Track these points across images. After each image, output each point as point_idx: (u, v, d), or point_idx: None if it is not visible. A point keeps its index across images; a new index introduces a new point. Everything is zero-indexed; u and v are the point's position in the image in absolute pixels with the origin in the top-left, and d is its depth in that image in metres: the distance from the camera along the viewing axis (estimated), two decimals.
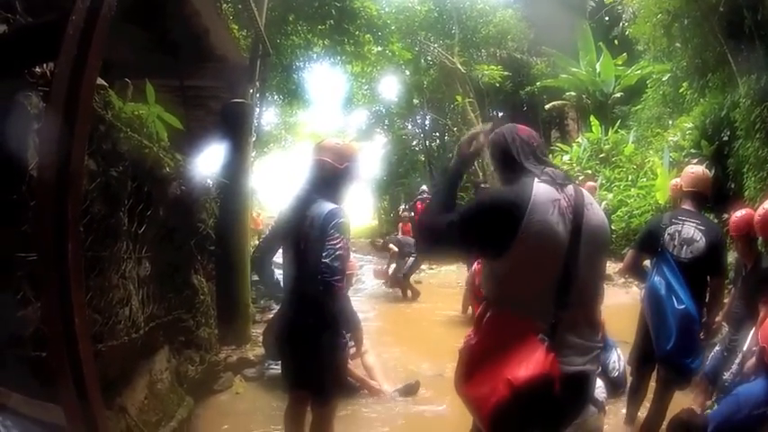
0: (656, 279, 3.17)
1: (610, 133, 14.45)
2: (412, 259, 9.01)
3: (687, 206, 3.37)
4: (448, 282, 10.57)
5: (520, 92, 19.46)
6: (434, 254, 1.94)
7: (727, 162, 8.34)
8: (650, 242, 3.35)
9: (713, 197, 7.80)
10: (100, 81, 2.40)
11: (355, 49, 12.99)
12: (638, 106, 14.89)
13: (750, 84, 7.54)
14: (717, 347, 4.02)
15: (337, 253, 2.58)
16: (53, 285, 1.55)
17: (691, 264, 3.16)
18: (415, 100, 22.26)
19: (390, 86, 21.66)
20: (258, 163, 16.72)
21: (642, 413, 3.68)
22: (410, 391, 4.51)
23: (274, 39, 10.17)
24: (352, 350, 3.00)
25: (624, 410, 3.84)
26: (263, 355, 4.76)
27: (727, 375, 3.61)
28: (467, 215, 1.84)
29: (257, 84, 7.15)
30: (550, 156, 2.19)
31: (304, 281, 2.68)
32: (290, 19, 11.78)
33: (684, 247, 3.19)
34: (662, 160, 10.44)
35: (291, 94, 14.10)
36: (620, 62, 15.54)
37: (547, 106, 18.45)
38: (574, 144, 15.87)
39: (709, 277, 3.25)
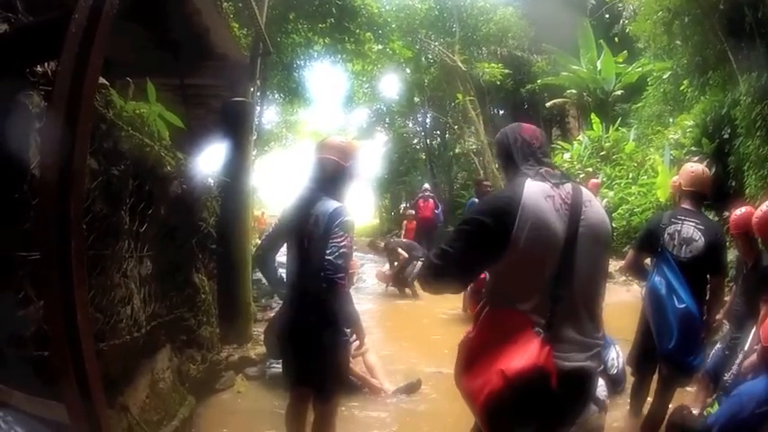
0: (657, 279, 3.18)
1: (610, 131, 14.43)
2: (420, 263, 9.00)
3: (686, 205, 3.37)
4: None
5: (521, 90, 19.44)
6: (441, 284, 1.94)
7: (728, 160, 8.34)
8: (650, 242, 3.36)
9: (713, 195, 7.84)
10: (101, 80, 2.40)
11: (356, 47, 12.98)
12: (639, 104, 14.89)
13: (751, 81, 7.53)
14: (718, 345, 4.02)
15: (341, 251, 2.59)
16: (55, 283, 1.55)
17: (690, 263, 3.17)
18: (415, 98, 22.23)
19: (391, 85, 21.66)
20: (259, 161, 16.72)
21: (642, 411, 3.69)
22: (411, 389, 4.52)
23: (275, 37, 10.17)
24: (354, 347, 2.99)
25: (621, 410, 3.86)
26: (265, 353, 4.76)
27: (728, 375, 3.61)
28: (460, 232, 1.86)
29: (258, 82, 7.16)
30: (552, 154, 2.19)
31: (307, 278, 2.69)
32: (291, 17, 11.77)
33: (684, 247, 3.20)
34: (663, 158, 10.44)
35: (292, 93, 14.10)
36: (620, 60, 15.51)
37: (548, 104, 18.44)
38: (575, 142, 15.86)
39: (709, 276, 3.26)
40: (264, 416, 3.98)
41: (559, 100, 17.90)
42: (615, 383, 3.69)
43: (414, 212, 12.78)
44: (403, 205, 24.14)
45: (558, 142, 16.77)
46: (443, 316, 7.48)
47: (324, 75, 19.89)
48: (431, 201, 12.39)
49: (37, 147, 1.97)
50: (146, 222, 3.19)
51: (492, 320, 1.82)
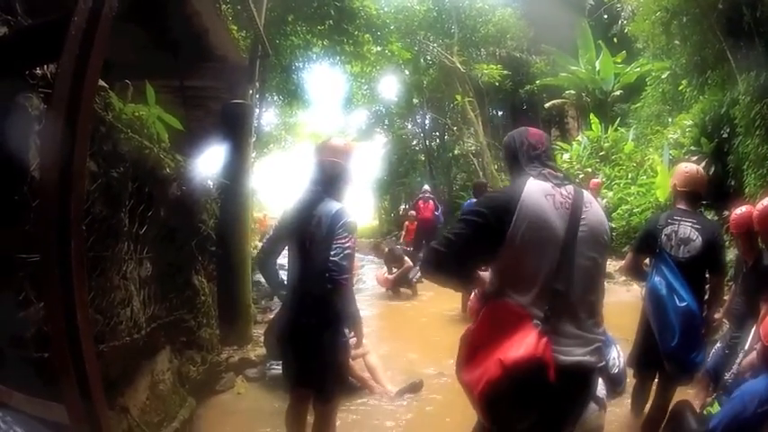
0: (657, 279, 3.20)
1: (609, 131, 14.45)
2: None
3: (682, 206, 3.38)
4: None
5: (519, 90, 19.49)
6: (442, 272, 1.96)
7: (727, 159, 8.34)
8: (648, 243, 3.38)
9: (713, 194, 7.86)
10: (100, 82, 2.40)
11: (354, 49, 12.99)
12: (638, 104, 14.91)
13: (749, 81, 7.54)
14: (718, 345, 4.02)
15: (346, 252, 2.62)
16: (55, 284, 1.56)
17: (689, 263, 3.19)
18: (414, 99, 22.27)
19: (390, 86, 21.71)
20: (258, 163, 16.72)
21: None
22: (412, 389, 4.52)
23: (274, 39, 10.19)
24: (354, 344, 2.99)
25: (622, 410, 3.87)
26: (265, 355, 4.77)
27: (728, 375, 3.61)
28: (463, 222, 1.92)
29: (257, 84, 7.15)
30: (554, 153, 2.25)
31: (309, 279, 2.70)
32: (290, 19, 11.78)
33: (682, 247, 3.22)
34: (662, 158, 10.45)
35: (291, 95, 14.11)
36: (619, 60, 15.54)
37: (547, 105, 18.47)
38: (574, 142, 15.88)
39: (708, 274, 3.29)
40: (264, 417, 3.97)
41: (558, 100, 17.94)
42: (616, 383, 3.69)
43: (414, 214, 12.79)
44: (403, 207, 24.20)
45: (558, 143, 16.77)
46: (443, 316, 7.47)
47: (323, 77, 19.92)
48: (431, 202, 12.39)
49: (37, 149, 1.97)
50: (145, 224, 3.20)
51: (492, 313, 1.87)
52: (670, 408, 3.29)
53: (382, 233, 21.85)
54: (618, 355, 3.75)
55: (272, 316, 5.60)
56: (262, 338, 5.07)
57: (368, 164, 24.58)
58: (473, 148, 19.42)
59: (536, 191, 1.87)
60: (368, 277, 10.43)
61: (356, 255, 2.94)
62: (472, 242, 1.86)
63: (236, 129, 5.61)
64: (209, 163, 6.22)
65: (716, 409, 3.14)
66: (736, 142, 8.05)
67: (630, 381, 3.84)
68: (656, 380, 3.54)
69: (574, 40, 16.64)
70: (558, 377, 1.69)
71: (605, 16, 17.22)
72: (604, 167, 13.40)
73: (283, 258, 2.96)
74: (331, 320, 2.72)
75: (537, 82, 18.05)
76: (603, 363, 1.95)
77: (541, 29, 17.62)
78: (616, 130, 14.55)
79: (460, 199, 17.95)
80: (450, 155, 21.96)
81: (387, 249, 9.98)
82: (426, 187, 13.76)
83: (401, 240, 13.07)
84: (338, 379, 2.90)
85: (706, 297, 3.32)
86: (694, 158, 8.90)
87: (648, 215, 9.66)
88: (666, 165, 9.86)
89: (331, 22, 11.99)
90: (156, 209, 3.40)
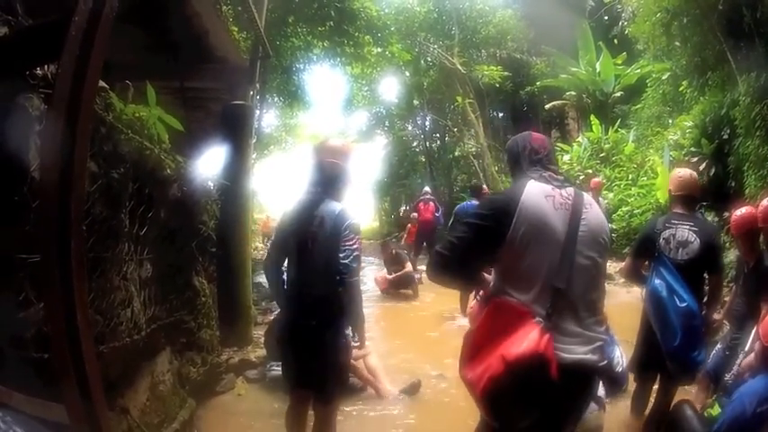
0: (657, 282, 3.25)
1: (610, 132, 14.45)
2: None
3: (678, 209, 3.46)
4: None
5: (520, 92, 19.48)
6: (446, 274, 2.00)
7: (728, 160, 8.33)
8: (646, 247, 3.44)
9: (714, 196, 7.84)
10: (101, 83, 2.40)
11: (355, 50, 13.00)
12: (638, 105, 14.91)
13: (750, 82, 7.53)
14: (718, 346, 4.02)
15: (355, 254, 2.67)
16: (55, 285, 1.56)
17: (687, 264, 3.25)
18: (415, 101, 22.27)
19: (390, 87, 21.75)
20: (259, 165, 16.73)
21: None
22: (412, 390, 4.52)
23: (274, 40, 10.19)
24: (356, 346, 2.99)
25: (622, 410, 3.87)
26: (265, 356, 4.77)
27: (728, 375, 3.62)
28: (465, 225, 1.97)
29: (257, 85, 7.17)
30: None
31: (309, 279, 2.70)
32: (290, 21, 11.79)
33: (680, 250, 3.28)
34: (662, 159, 10.44)
35: (292, 96, 14.13)
36: (619, 61, 15.55)
37: (547, 106, 18.47)
38: (574, 144, 15.88)
39: (707, 275, 3.35)
40: (265, 418, 3.97)
41: (559, 102, 17.94)
42: (619, 382, 3.70)
43: (416, 216, 12.79)
44: (403, 208, 24.20)
45: (558, 144, 16.79)
46: (442, 317, 7.47)
47: (323, 78, 19.93)
48: (431, 204, 12.39)
49: (37, 149, 1.97)
50: (146, 225, 3.20)
51: (494, 311, 1.89)
52: (671, 410, 3.29)
53: (382, 234, 21.78)
54: (620, 355, 3.77)
55: (272, 317, 5.60)
56: (262, 339, 5.09)
57: (368, 165, 24.65)
58: (473, 149, 19.41)
59: (536, 192, 1.92)
60: (368, 278, 10.42)
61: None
62: (475, 244, 1.90)
63: (237, 130, 5.61)
64: (209, 164, 6.22)
65: (716, 410, 3.14)
66: (736, 143, 8.04)
67: (631, 382, 3.85)
68: (657, 382, 3.55)
69: (574, 41, 16.65)
70: (560, 375, 1.70)
71: (606, 17, 17.20)
72: (605, 169, 13.40)
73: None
74: (331, 321, 2.72)
75: (537, 83, 18.05)
76: (606, 362, 1.95)
77: (542, 30, 17.62)
78: (616, 131, 14.55)
79: (461, 200, 17.93)
80: (451, 156, 21.95)
81: (394, 252, 9.99)
82: (427, 189, 13.77)
83: (402, 242, 13.04)
84: (338, 380, 2.90)
85: (705, 298, 3.36)
86: (694, 160, 8.92)
87: (649, 216, 9.65)
88: (667, 166, 9.85)
89: (331, 23, 12.00)
90: (156, 210, 3.39)
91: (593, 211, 2.00)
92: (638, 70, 14.81)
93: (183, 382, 3.93)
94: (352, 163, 2.91)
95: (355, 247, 2.68)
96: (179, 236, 4.04)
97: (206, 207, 4.77)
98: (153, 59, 5.56)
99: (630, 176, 12.49)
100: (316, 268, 2.70)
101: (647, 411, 3.69)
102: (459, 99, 18.17)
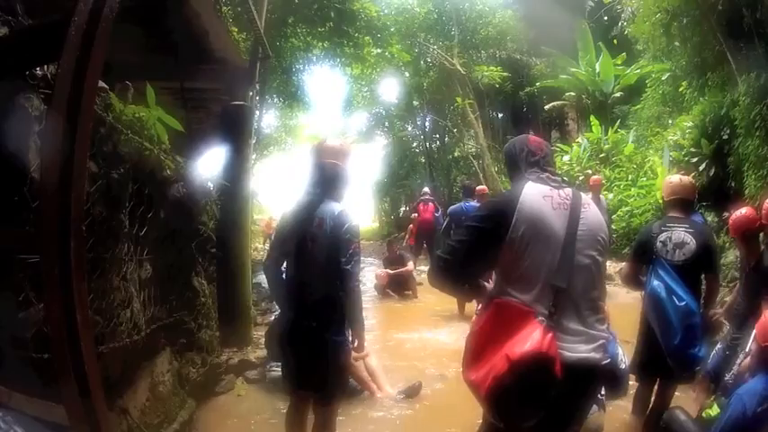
0: (655, 283, 3.30)
1: (610, 133, 14.45)
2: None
3: (674, 213, 3.54)
4: None
5: (520, 93, 19.45)
6: (448, 279, 2.02)
7: (728, 160, 8.32)
8: (644, 251, 3.50)
9: (713, 196, 7.83)
10: (101, 83, 2.40)
11: (355, 51, 13.02)
12: (638, 106, 14.90)
13: (749, 82, 7.53)
14: (719, 346, 4.02)
15: (356, 257, 2.67)
16: (55, 285, 1.56)
17: (684, 265, 3.31)
18: (414, 101, 22.29)
19: (390, 88, 21.78)
20: (259, 165, 16.73)
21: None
22: (412, 392, 4.51)
23: (274, 41, 10.20)
24: (355, 349, 2.98)
25: (622, 410, 3.88)
26: (265, 356, 4.76)
27: (728, 376, 3.62)
28: (465, 228, 2.00)
29: (257, 86, 7.17)
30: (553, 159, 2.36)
31: (309, 280, 2.69)
32: (290, 21, 11.81)
33: (677, 251, 3.35)
34: (662, 159, 10.45)
35: (291, 97, 14.16)
36: (619, 62, 15.54)
37: (547, 107, 18.46)
38: (574, 144, 15.86)
39: (704, 275, 3.42)
40: (265, 419, 3.97)
41: (558, 102, 17.94)
42: (621, 381, 3.70)
43: (415, 216, 12.79)
44: (403, 209, 24.20)
45: (558, 145, 16.78)
46: (442, 318, 7.47)
47: (323, 79, 19.97)
48: (430, 204, 12.38)
49: (37, 149, 1.97)
50: (145, 226, 3.20)
51: (496, 312, 1.89)
52: (663, 416, 3.32)
53: (382, 235, 21.81)
54: (623, 353, 3.78)
55: (272, 318, 5.60)
56: (262, 340, 5.07)
57: (368, 166, 24.67)
58: (473, 150, 19.41)
59: (534, 193, 1.95)
60: (368, 279, 10.41)
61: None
62: (476, 247, 1.93)
63: (237, 130, 5.61)
64: (209, 165, 6.23)
65: (714, 411, 3.14)
66: (736, 144, 8.04)
67: (632, 382, 3.85)
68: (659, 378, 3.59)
69: (574, 41, 16.65)
70: (564, 374, 1.71)
71: (605, 18, 17.18)
72: (604, 169, 13.39)
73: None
74: (331, 322, 2.72)
75: (537, 84, 18.04)
76: (609, 360, 1.95)
77: (541, 31, 17.61)
78: (616, 131, 14.55)
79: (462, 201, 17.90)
80: (451, 157, 21.95)
81: (398, 252, 9.99)
82: (426, 189, 13.75)
83: (405, 243, 13.03)
84: (339, 381, 2.89)
85: (702, 296, 3.42)
86: (694, 160, 8.93)
87: (649, 217, 9.66)
88: (667, 166, 9.86)
89: (331, 24, 12.01)
90: (156, 210, 3.40)
91: (592, 211, 2.02)
92: (638, 71, 14.81)
93: (182, 382, 3.92)
94: (352, 163, 2.90)
95: (357, 251, 2.68)
96: (179, 236, 4.04)
97: (206, 208, 4.77)
98: (153, 60, 5.56)
99: (630, 177, 12.48)
100: (315, 269, 2.69)
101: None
102: (459, 100, 18.16)
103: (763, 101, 7.13)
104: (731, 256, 6.88)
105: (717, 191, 8.27)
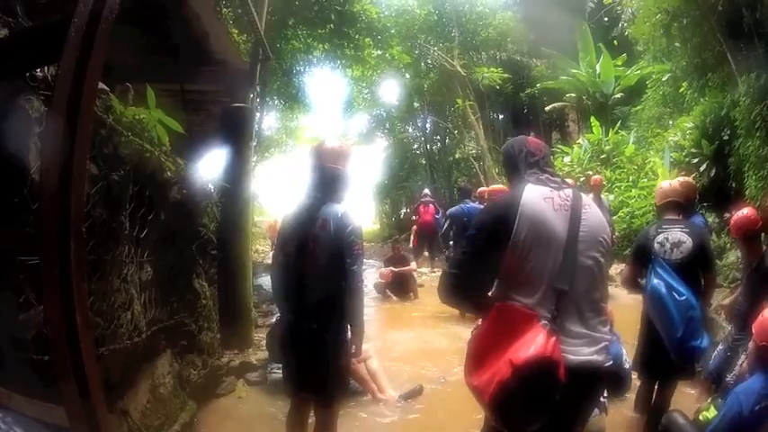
0: (655, 282, 3.38)
1: (610, 134, 14.43)
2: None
3: (669, 215, 3.66)
4: None
5: (520, 94, 19.43)
6: (459, 293, 2.01)
7: (728, 161, 8.32)
8: (642, 254, 3.61)
9: (714, 197, 7.83)
10: (101, 85, 2.41)
11: (355, 52, 13.03)
12: (639, 107, 14.88)
13: (750, 82, 7.52)
14: (720, 346, 4.03)
15: (359, 259, 2.68)
16: (55, 286, 1.56)
17: (682, 263, 3.42)
18: (415, 103, 22.27)
19: (391, 90, 21.74)
20: (259, 167, 16.73)
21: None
22: (413, 394, 4.50)
23: (274, 43, 10.21)
24: (353, 352, 2.98)
25: (623, 410, 3.89)
26: (266, 358, 4.76)
27: (730, 376, 3.62)
28: (468, 238, 1.99)
29: (258, 88, 7.17)
30: (552, 159, 2.39)
31: (311, 282, 2.69)
32: (290, 23, 11.82)
33: (675, 250, 3.47)
34: (663, 160, 10.42)
35: (292, 99, 14.16)
36: (619, 63, 15.53)
37: (547, 108, 18.43)
38: (575, 145, 15.83)
39: (701, 272, 3.52)
40: (265, 421, 3.97)
41: (559, 104, 17.91)
42: (623, 382, 3.72)
43: (415, 217, 12.79)
44: (404, 210, 24.19)
45: (558, 146, 16.77)
46: (442, 319, 7.45)
47: (323, 80, 19.97)
48: (431, 206, 12.39)
49: (37, 151, 1.97)
50: (146, 227, 3.20)
51: (499, 316, 1.88)
52: (662, 420, 3.34)
53: (383, 237, 21.80)
54: (625, 354, 3.80)
55: (273, 320, 5.59)
56: (263, 342, 5.08)
57: (369, 168, 24.65)
58: (474, 151, 19.40)
59: (535, 195, 1.93)
60: (368, 281, 10.42)
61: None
62: (480, 256, 1.92)
63: (237, 132, 5.61)
64: (209, 166, 6.23)
65: (711, 413, 3.14)
66: (736, 144, 8.04)
67: (633, 382, 3.85)
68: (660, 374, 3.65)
69: (574, 43, 16.64)
70: (567, 377, 1.70)
71: (605, 19, 17.18)
72: (605, 170, 13.37)
73: None
74: (332, 323, 2.71)
75: (537, 85, 18.01)
76: (611, 362, 1.95)
77: (542, 32, 17.60)
78: (617, 132, 14.53)
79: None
80: (452, 158, 21.95)
81: (403, 252, 10.00)
82: (426, 191, 13.76)
83: (410, 245, 13.02)
84: (340, 383, 2.89)
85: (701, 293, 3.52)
86: (695, 161, 8.92)
87: (650, 218, 9.64)
88: (667, 167, 9.84)
89: (332, 25, 12.02)
90: (156, 212, 3.39)
91: (593, 211, 2.01)
92: (639, 72, 14.79)
93: (183, 384, 3.92)
94: (351, 165, 2.89)
95: (360, 252, 2.69)
96: (179, 238, 4.04)
97: (206, 209, 4.77)
98: (153, 62, 5.57)
99: (631, 178, 12.45)
100: (316, 270, 2.69)
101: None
102: (460, 101, 18.16)
103: (763, 101, 7.12)
104: (732, 257, 6.88)
105: (717, 192, 8.26)
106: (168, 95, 5.76)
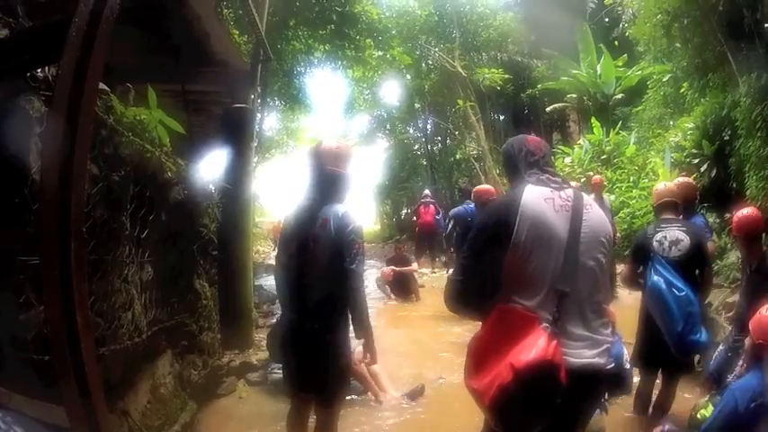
0: (655, 278, 3.46)
1: (611, 135, 14.42)
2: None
3: (666, 215, 3.75)
4: None
5: (521, 95, 19.42)
6: (465, 299, 2.00)
7: (729, 161, 8.30)
8: (642, 253, 3.69)
9: (715, 197, 7.82)
10: (101, 85, 2.41)
11: (356, 53, 13.03)
12: (639, 107, 14.87)
13: (750, 82, 7.51)
14: (720, 347, 4.02)
15: (359, 258, 2.67)
16: (55, 286, 1.56)
17: (680, 260, 3.52)
18: (416, 104, 22.26)
19: (391, 91, 21.72)
20: (260, 168, 16.73)
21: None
22: (414, 395, 4.50)
23: (275, 44, 10.21)
24: (361, 357, 2.98)
25: (622, 410, 3.90)
26: (267, 358, 4.76)
27: (731, 377, 3.62)
28: (470, 243, 1.98)
29: (258, 89, 7.17)
30: (553, 159, 2.39)
31: (312, 282, 2.69)
32: (291, 24, 11.83)
33: (673, 248, 3.56)
34: (663, 161, 10.41)
35: (293, 99, 14.17)
36: (620, 63, 15.52)
37: (548, 109, 18.43)
38: (575, 146, 15.82)
39: (698, 270, 3.60)
40: (266, 421, 3.96)
41: (560, 104, 17.91)
42: (624, 383, 3.72)
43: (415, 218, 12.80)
44: (405, 211, 24.17)
45: (559, 147, 16.75)
46: (443, 319, 7.44)
47: (324, 81, 19.97)
48: (431, 207, 12.39)
49: (38, 151, 1.97)
50: (147, 228, 3.20)
51: (499, 319, 1.86)
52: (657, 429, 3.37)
53: (384, 237, 21.81)
54: (627, 354, 3.82)
55: (273, 320, 5.59)
56: (263, 342, 5.07)
57: (369, 168, 24.63)
58: (475, 152, 19.38)
59: (535, 195, 1.91)
60: (369, 281, 10.42)
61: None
62: (483, 260, 1.91)
63: (238, 133, 5.62)
64: (210, 167, 6.23)
65: (709, 411, 3.14)
66: (737, 144, 8.02)
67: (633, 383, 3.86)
68: (659, 378, 3.74)
69: (575, 43, 16.63)
70: (569, 380, 1.69)
71: (606, 20, 17.17)
72: (606, 171, 13.35)
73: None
74: (333, 324, 2.71)
75: (538, 86, 18.00)
76: (612, 364, 1.94)
77: (542, 33, 17.59)
78: (617, 133, 14.51)
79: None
80: (452, 159, 21.92)
81: (405, 253, 9.99)
82: (427, 192, 13.76)
83: (414, 246, 13.01)
84: (340, 383, 2.88)
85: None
86: (696, 161, 8.91)
87: (651, 218, 9.63)
88: (668, 168, 9.82)
89: (332, 26, 12.03)
90: (157, 213, 3.40)
91: (595, 211, 1.99)
92: (639, 72, 14.78)
93: (183, 384, 3.92)
94: (350, 165, 2.88)
95: (360, 252, 2.67)
96: (180, 239, 4.04)
97: (207, 210, 4.77)
98: (154, 62, 5.58)
99: (632, 178, 12.44)
100: (317, 270, 2.69)
101: (650, 409, 3.76)
102: (461, 102, 18.14)
103: (764, 101, 7.11)
104: (733, 257, 6.87)
105: (718, 192, 8.25)
106: (169, 96, 5.76)
